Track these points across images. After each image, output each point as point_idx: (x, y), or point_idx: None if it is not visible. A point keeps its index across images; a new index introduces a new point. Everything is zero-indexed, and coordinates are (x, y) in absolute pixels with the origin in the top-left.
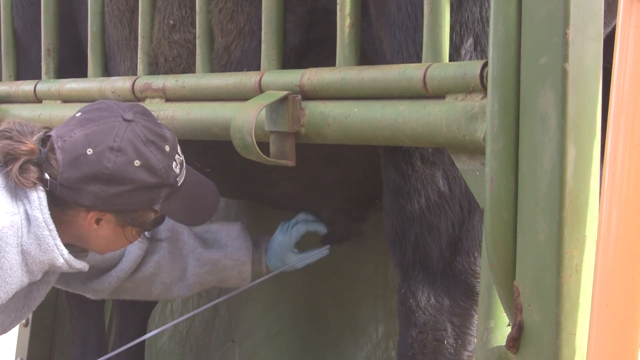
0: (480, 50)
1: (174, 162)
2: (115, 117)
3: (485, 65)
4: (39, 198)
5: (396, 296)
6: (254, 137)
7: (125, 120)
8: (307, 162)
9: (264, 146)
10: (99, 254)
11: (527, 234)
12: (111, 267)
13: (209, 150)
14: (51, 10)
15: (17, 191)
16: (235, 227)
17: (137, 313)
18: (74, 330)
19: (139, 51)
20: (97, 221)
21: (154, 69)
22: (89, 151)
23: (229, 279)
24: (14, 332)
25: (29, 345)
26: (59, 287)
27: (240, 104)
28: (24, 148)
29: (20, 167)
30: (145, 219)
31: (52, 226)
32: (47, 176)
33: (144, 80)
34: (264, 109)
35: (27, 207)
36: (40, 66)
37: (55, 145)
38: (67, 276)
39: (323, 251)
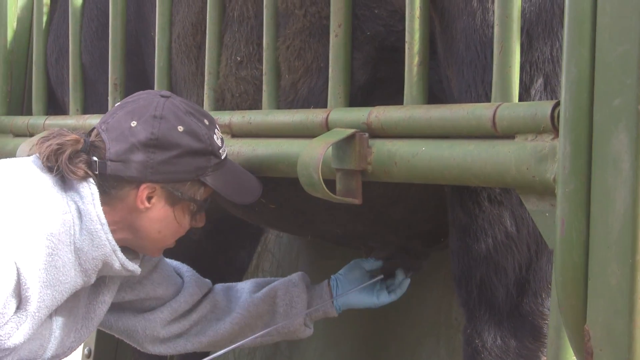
0: (550, 90)
1: (215, 135)
2: (153, 96)
3: (556, 105)
4: (91, 193)
5: (461, 336)
6: (320, 174)
7: (162, 96)
8: (372, 200)
9: (330, 183)
10: (152, 255)
11: (598, 277)
12: (166, 300)
13: (274, 187)
14: (119, 45)
15: (68, 188)
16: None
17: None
18: (136, 356)
19: (206, 87)
20: (149, 199)
21: (220, 104)
22: (133, 123)
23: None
24: None
25: None
26: (114, 330)
27: (307, 141)
28: (68, 139)
29: (69, 157)
30: (194, 192)
31: (104, 220)
32: (95, 159)
33: None
34: (331, 147)
35: (79, 203)
36: (107, 100)
37: (100, 130)
38: (122, 307)
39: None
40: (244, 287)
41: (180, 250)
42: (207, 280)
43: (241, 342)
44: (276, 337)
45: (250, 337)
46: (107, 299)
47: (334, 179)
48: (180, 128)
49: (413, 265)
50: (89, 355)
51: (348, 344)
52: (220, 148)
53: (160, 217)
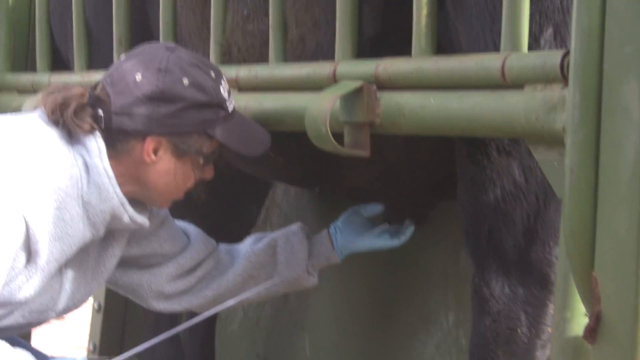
0: (560, 39)
1: (221, 87)
2: (158, 48)
3: (566, 54)
4: (98, 147)
5: (469, 285)
6: (328, 127)
7: (167, 49)
8: (381, 152)
9: (338, 136)
10: (160, 207)
11: (607, 225)
12: (172, 257)
13: (282, 140)
14: (122, 1)
15: (74, 142)
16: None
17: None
18: (146, 316)
19: (212, 41)
20: (155, 152)
21: (226, 59)
22: (138, 76)
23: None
24: (87, 317)
25: (101, 331)
26: (120, 285)
27: (314, 94)
28: (74, 92)
29: (74, 111)
30: (201, 145)
31: (112, 173)
32: (100, 112)
33: None
34: (339, 99)
35: (86, 157)
36: (111, 57)
37: (105, 83)
38: (128, 263)
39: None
40: (245, 242)
41: (188, 206)
42: (212, 239)
43: (245, 295)
44: (281, 288)
45: (254, 290)
46: (116, 252)
47: (342, 132)
48: (186, 81)
49: (417, 214)
50: (98, 310)
51: (357, 295)
52: (226, 100)
53: (166, 169)
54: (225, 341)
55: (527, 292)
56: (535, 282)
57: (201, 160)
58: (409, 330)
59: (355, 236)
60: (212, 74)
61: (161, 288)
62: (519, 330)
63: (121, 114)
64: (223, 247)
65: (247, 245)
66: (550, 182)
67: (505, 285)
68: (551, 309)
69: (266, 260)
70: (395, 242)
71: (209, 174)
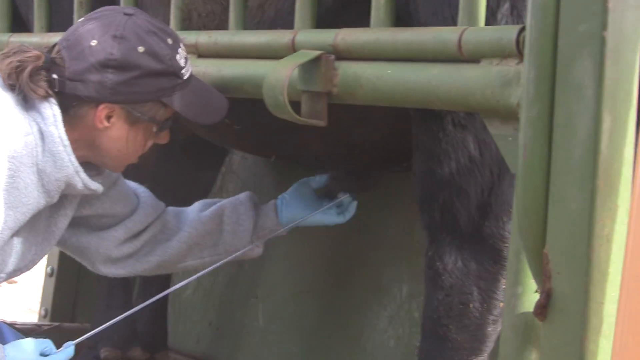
0: (516, 15)
1: (178, 55)
2: (117, 13)
3: (522, 30)
4: (53, 114)
5: (423, 258)
6: (286, 96)
7: (126, 14)
8: (337, 122)
9: (295, 105)
10: (114, 171)
11: (559, 201)
12: (122, 218)
13: (239, 107)
14: None
15: (30, 108)
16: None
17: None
18: (99, 282)
19: (172, 6)
20: (108, 118)
21: (187, 24)
22: (93, 42)
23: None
24: (40, 281)
25: (53, 295)
26: (68, 246)
27: (273, 63)
28: (29, 55)
29: (30, 75)
30: (155, 113)
31: (67, 142)
32: (55, 76)
33: None
34: (297, 69)
35: (42, 124)
36: (72, 18)
37: (61, 47)
38: (78, 223)
39: (345, 200)
40: (193, 207)
41: (143, 171)
42: (162, 202)
43: (194, 275)
44: (224, 257)
45: (203, 272)
46: (68, 212)
47: (299, 100)
48: (141, 48)
49: (361, 185)
50: (51, 274)
51: (311, 265)
52: (183, 68)
53: (120, 135)
54: (178, 308)
55: (480, 267)
56: (488, 257)
57: (155, 128)
58: (363, 302)
59: (302, 210)
60: (169, 41)
61: (109, 252)
62: (471, 305)
63: (75, 80)
64: (171, 210)
65: (195, 212)
66: (504, 156)
67: (459, 260)
68: (504, 284)
69: (212, 229)
70: (340, 219)
71: (163, 139)
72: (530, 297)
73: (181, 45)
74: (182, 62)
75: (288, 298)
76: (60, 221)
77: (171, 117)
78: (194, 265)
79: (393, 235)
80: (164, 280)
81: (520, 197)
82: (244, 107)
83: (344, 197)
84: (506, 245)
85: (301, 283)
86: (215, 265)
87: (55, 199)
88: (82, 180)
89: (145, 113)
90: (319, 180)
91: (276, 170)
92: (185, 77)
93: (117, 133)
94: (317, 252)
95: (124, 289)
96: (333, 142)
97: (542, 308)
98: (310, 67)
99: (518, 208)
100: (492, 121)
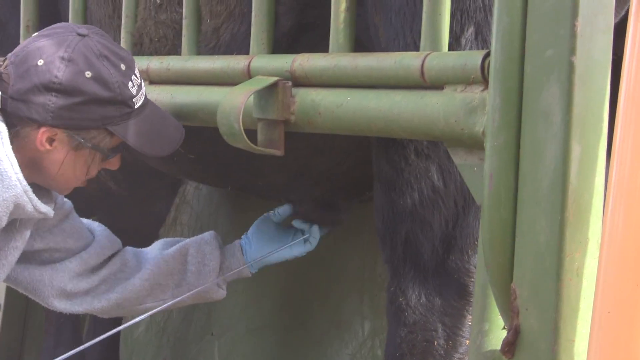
0: (481, 40)
1: (130, 82)
2: (69, 32)
3: (487, 55)
4: None
5: (385, 293)
6: (241, 124)
7: (79, 34)
8: (295, 151)
9: (251, 134)
10: (60, 193)
11: (526, 234)
12: (76, 252)
13: (193, 137)
14: None
15: None
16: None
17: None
18: (47, 319)
19: (123, 31)
20: (50, 141)
21: (138, 49)
22: (40, 62)
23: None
24: None
25: (0, 331)
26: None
27: (228, 89)
28: None
29: None
30: (100, 141)
31: (14, 160)
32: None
33: None
34: (253, 95)
35: None
36: (18, 42)
37: (9, 62)
38: (29, 257)
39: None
40: (153, 247)
41: (95, 200)
42: (118, 239)
43: (152, 310)
44: (188, 301)
45: (162, 306)
46: (18, 244)
47: (255, 129)
48: (88, 74)
49: (333, 219)
50: None
51: (269, 300)
52: (134, 97)
53: (62, 160)
54: (130, 347)
55: (444, 302)
56: (453, 292)
57: (100, 156)
58: (323, 339)
59: (267, 247)
60: (122, 67)
61: (63, 285)
62: (435, 343)
63: (17, 100)
64: (130, 249)
65: (156, 250)
66: (469, 187)
67: (422, 295)
68: (470, 321)
69: (176, 268)
70: (307, 247)
71: (113, 165)
72: (498, 334)
73: (136, 71)
74: (133, 90)
75: (245, 335)
76: (11, 254)
77: (119, 146)
78: (154, 307)
79: (354, 268)
80: (116, 317)
81: (486, 230)
82: (198, 135)
83: (309, 229)
84: (472, 279)
85: (258, 319)
86: (173, 302)
87: (4, 222)
88: (31, 200)
89: (88, 140)
90: (281, 212)
91: (232, 200)
92: (137, 106)
93: (59, 157)
94: (274, 286)
95: (73, 326)
96: (291, 172)
97: (510, 345)
98: (267, 94)
99: (484, 241)
100: (456, 150)
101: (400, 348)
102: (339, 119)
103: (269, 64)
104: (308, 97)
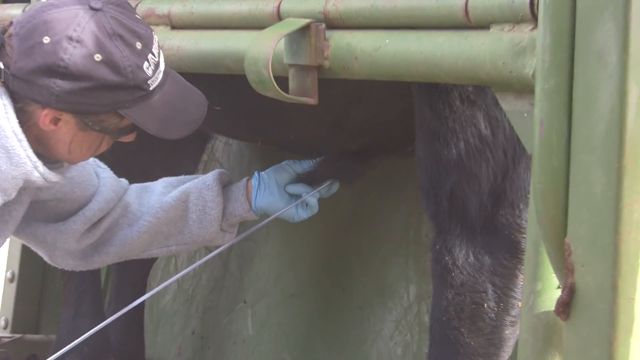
0: None
1: (146, 63)
2: (81, 5)
3: None
4: (3, 105)
5: (430, 253)
6: (271, 71)
7: (92, 8)
8: (330, 100)
9: (282, 81)
10: (69, 163)
11: (581, 184)
12: (82, 204)
13: (219, 86)
14: None
15: None
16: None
17: (135, 269)
18: (66, 289)
19: None
20: (55, 121)
21: None
22: (46, 39)
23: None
24: None
25: (14, 304)
26: (22, 236)
27: (256, 34)
28: None
29: None
30: (109, 124)
31: (22, 136)
32: (1, 65)
33: (146, 5)
34: (283, 40)
35: None
36: None
37: (14, 31)
38: (34, 209)
39: (331, 187)
40: (155, 188)
41: (118, 157)
42: (124, 180)
43: (158, 253)
44: (192, 247)
45: (163, 248)
46: (24, 199)
47: (286, 76)
48: (98, 57)
49: (354, 169)
50: (12, 280)
51: (306, 264)
52: (149, 79)
53: (68, 140)
54: (156, 316)
55: (494, 261)
56: (504, 249)
57: (110, 138)
58: (364, 305)
59: (278, 198)
60: (138, 46)
61: (67, 247)
62: (485, 305)
63: (20, 79)
64: (134, 190)
65: (157, 195)
66: (519, 135)
67: (470, 254)
68: (521, 281)
69: (176, 216)
70: (314, 210)
71: (128, 139)
72: (552, 294)
73: (153, 48)
74: (149, 72)
75: (280, 302)
76: (15, 209)
77: (131, 125)
78: (160, 253)
79: (397, 229)
80: (139, 283)
81: (537, 181)
82: (225, 84)
83: (328, 184)
84: (523, 236)
85: (295, 285)
86: (177, 248)
87: (13, 196)
88: (42, 175)
89: (97, 123)
90: (304, 165)
91: (265, 157)
92: (152, 87)
93: (65, 137)
94: (311, 249)
95: (93, 295)
96: (325, 123)
97: (565, 306)
98: (298, 38)
99: (535, 193)
100: (504, 95)
101: (447, 312)
102: (377, 64)
103: (301, 5)
104: (343, 41)
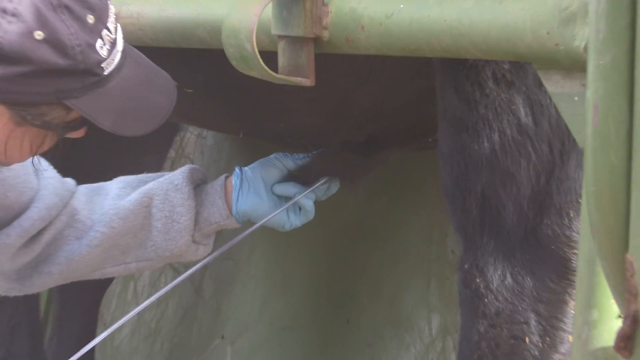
0: None
1: (100, 41)
2: None
3: None
4: None
5: (457, 274)
6: (255, 44)
7: None
8: (330, 81)
9: (270, 57)
10: (3, 164)
11: None
12: (17, 211)
13: (191, 63)
14: None
15: None
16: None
17: (84, 294)
18: None
19: None
20: None
21: None
22: None
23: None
24: None
25: None
26: None
27: None
28: None
29: None
30: (53, 118)
31: None
32: None
33: None
34: (271, 4)
35: None
36: None
37: None
38: None
39: (329, 186)
40: (110, 189)
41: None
42: (70, 181)
43: (112, 273)
44: (157, 263)
45: (120, 266)
46: None
47: (275, 50)
48: (39, 34)
49: (358, 168)
50: None
51: (301, 289)
52: (103, 60)
53: (3, 138)
54: (110, 356)
55: (538, 283)
56: (550, 269)
57: (54, 134)
58: (375, 341)
59: (263, 201)
60: (90, 19)
61: (0, 265)
62: (527, 340)
63: None
64: (82, 193)
65: (113, 198)
66: (568, 124)
67: (507, 274)
68: (572, 308)
69: (136, 226)
70: (309, 215)
71: (77, 134)
72: (610, 324)
73: (109, 21)
74: (103, 52)
75: (268, 337)
76: None
77: (80, 119)
78: (116, 273)
79: (414, 243)
80: (89, 314)
81: (591, 182)
82: (198, 61)
83: (325, 182)
84: (574, 251)
85: (286, 316)
86: (138, 267)
87: None
88: None
89: (37, 117)
90: (297, 159)
91: (247, 152)
92: (108, 71)
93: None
94: (306, 269)
95: (30, 329)
96: (324, 109)
97: (627, 340)
98: (290, 3)
99: (589, 197)
100: (549, 74)
101: (478, 348)
102: (389, 35)
103: None
104: (346, 5)
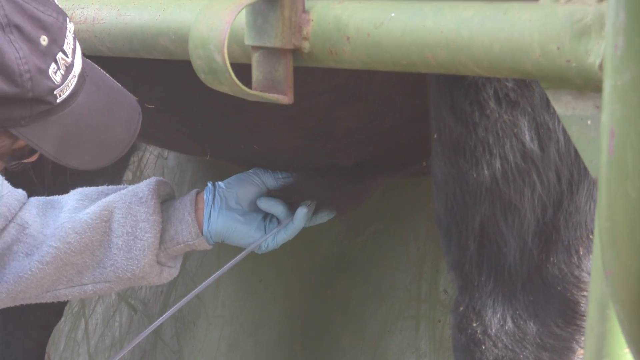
0: None
1: (54, 65)
2: None
3: None
4: None
5: (450, 317)
6: (226, 56)
7: None
8: (310, 98)
9: (242, 70)
10: None
11: None
12: None
13: (152, 75)
14: None
15: None
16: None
17: (28, 334)
18: None
19: None
20: None
21: None
22: None
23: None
24: None
25: None
26: None
27: (205, 1)
28: None
29: None
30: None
31: None
32: None
33: None
34: (244, 11)
35: None
36: None
37: None
38: None
39: (319, 214)
40: (66, 201)
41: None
42: (20, 191)
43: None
44: (116, 286)
45: (75, 287)
46: None
47: (248, 63)
48: None
49: (346, 197)
50: None
51: (272, 331)
52: (56, 88)
53: None
54: None
55: (542, 329)
56: (556, 313)
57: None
58: None
59: (238, 220)
60: (43, 41)
61: None
62: None
63: None
64: (34, 204)
65: (69, 211)
66: (579, 151)
67: (508, 318)
68: (581, 356)
69: (94, 242)
70: (289, 233)
71: (28, 160)
72: None
73: (66, 43)
74: (57, 77)
75: None
76: None
77: (27, 147)
78: (70, 295)
79: (403, 281)
80: (33, 356)
81: (605, 217)
82: (160, 74)
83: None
84: (584, 293)
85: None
86: (94, 289)
87: None
88: None
89: None
90: (278, 177)
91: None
92: (60, 100)
93: None
94: (279, 309)
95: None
96: (305, 129)
97: None
98: (265, 9)
99: (602, 233)
100: (559, 94)
101: None
102: (378, 47)
103: None
104: (330, 13)
